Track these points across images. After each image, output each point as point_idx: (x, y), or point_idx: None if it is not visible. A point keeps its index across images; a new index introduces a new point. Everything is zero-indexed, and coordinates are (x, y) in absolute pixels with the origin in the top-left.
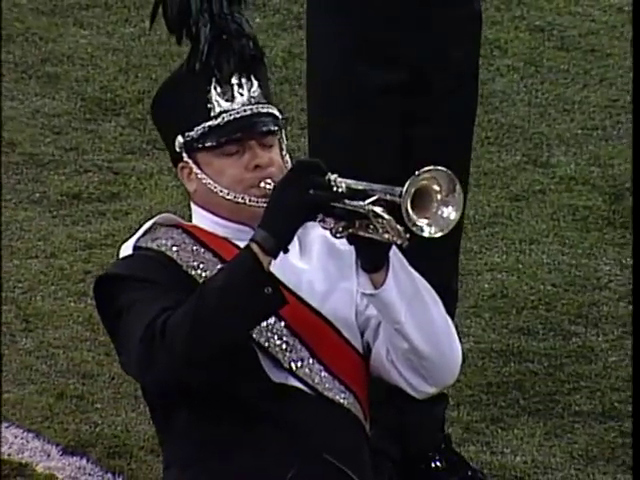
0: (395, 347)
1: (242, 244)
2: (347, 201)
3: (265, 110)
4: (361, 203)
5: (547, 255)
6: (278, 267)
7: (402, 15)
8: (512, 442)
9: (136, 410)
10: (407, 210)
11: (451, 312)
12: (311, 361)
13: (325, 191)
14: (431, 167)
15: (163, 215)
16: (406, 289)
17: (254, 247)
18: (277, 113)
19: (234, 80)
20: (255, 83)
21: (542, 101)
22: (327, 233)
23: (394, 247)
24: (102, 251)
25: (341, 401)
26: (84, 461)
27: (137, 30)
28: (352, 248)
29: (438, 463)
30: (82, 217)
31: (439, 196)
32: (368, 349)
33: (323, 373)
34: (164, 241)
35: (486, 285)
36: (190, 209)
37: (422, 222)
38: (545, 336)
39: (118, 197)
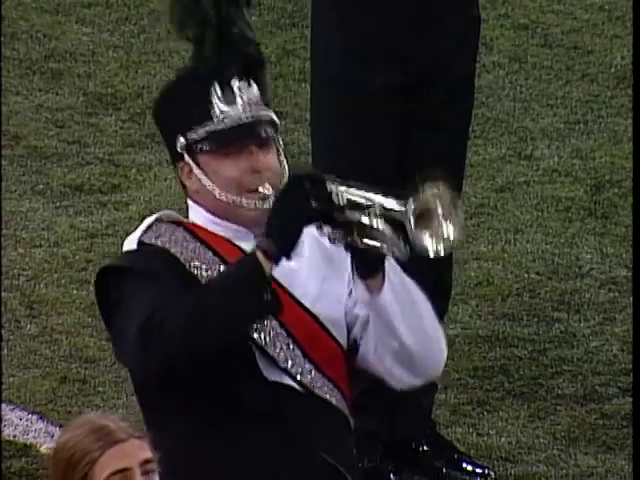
0: (385, 345)
1: (242, 244)
2: (348, 212)
3: (264, 115)
4: (362, 217)
5: (531, 244)
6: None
7: (401, 17)
8: (497, 424)
9: None
10: (410, 227)
11: (445, 304)
12: (303, 361)
13: (326, 202)
14: (434, 185)
15: (165, 212)
16: (400, 293)
17: (258, 254)
18: (275, 118)
19: (235, 84)
20: (255, 87)
21: (526, 96)
22: (317, 232)
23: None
24: (103, 240)
25: (331, 399)
26: None
27: (137, 28)
28: (342, 249)
29: (425, 447)
30: (84, 208)
31: (440, 214)
32: (354, 344)
33: (314, 372)
34: (167, 239)
35: (472, 273)
36: (187, 204)
37: (425, 239)
38: (529, 322)
39: (119, 188)
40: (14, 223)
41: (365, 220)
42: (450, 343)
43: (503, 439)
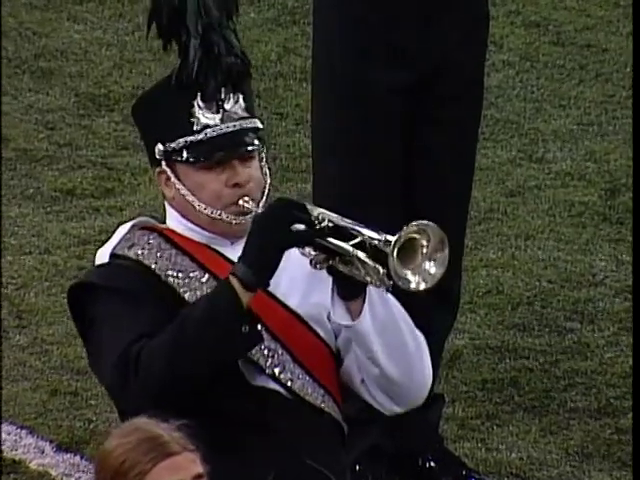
0: (366, 371)
1: (218, 248)
2: (330, 240)
3: (248, 125)
4: (345, 245)
5: (543, 251)
6: None
7: (404, 13)
8: (507, 439)
9: None
10: (392, 258)
11: (453, 313)
12: (292, 365)
13: (308, 228)
14: (423, 222)
15: (140, 219)
16: (382, 318)
17: (234, 283)
18: (259, 125)
19: (218, 94)
20: (240, 97)
21: (538, 96)
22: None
23: None
24: (96, 247)
25: (321, 405)
26: (78, 458)
27: (131, 25)
28: None
29: (432, 463)
30: (76, 213)
31: (425, 250)
32: (339, 355)
33: (304, 376)
34: (140, 250)
35: (481, 281)
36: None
37: (407, 274)
38: (540, 332)
39: (112, 193)
40: (2, 229)
41: (349, 250)
42: (458, 354)
43: (513, 454)
